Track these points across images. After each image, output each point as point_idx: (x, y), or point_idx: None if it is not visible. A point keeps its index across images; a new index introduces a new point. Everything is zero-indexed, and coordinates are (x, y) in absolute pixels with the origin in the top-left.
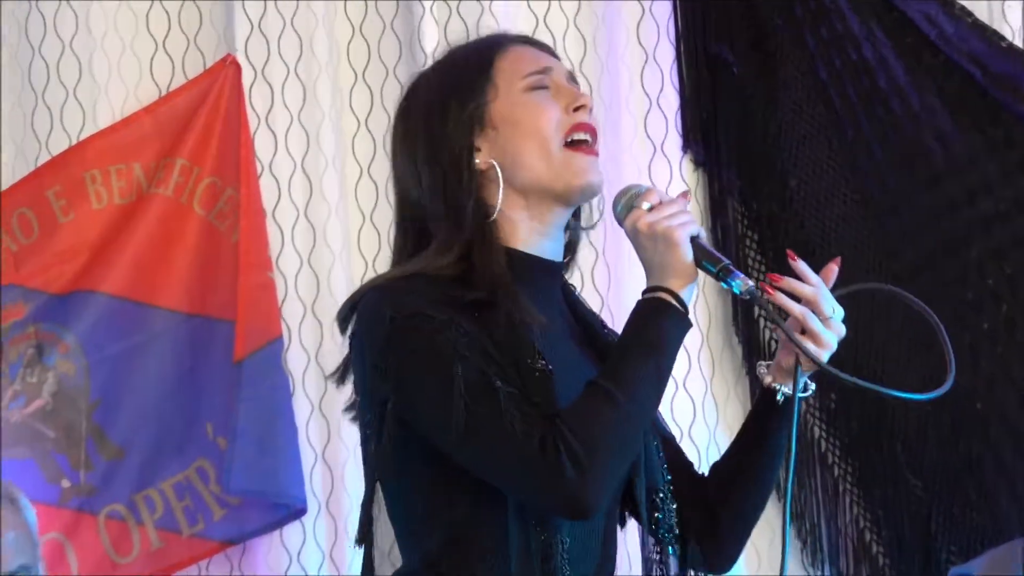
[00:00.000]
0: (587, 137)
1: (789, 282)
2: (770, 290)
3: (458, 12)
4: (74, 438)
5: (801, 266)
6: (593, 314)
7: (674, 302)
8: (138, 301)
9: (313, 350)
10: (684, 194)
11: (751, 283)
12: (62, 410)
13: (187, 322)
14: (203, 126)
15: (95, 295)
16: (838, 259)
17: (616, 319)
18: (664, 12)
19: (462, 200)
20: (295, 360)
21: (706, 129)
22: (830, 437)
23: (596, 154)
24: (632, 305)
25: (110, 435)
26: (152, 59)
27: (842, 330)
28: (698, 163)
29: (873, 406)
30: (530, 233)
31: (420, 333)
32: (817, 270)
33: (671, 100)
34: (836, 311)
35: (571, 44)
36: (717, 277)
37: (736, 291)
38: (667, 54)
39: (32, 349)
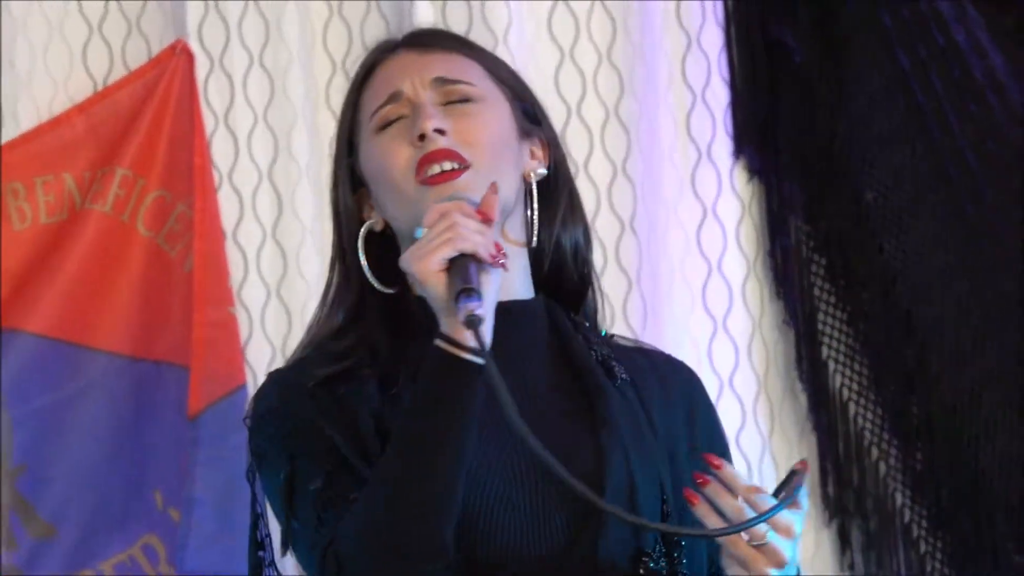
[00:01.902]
0: (440, 168)
1: (713, 488)
2: (695, 500)
3: None
4: None
5: (728, 473)
6: (589, 355)
7: (446, 347)
8: (71, 342)
9: None
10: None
11: (479, 311)
12: None
13: (130, 368)
14: (148, 128)
15: (18, 335)
16: (805, 462)
17: None
18: None
19: (351, 265)
20: None
21: (762, 130)
22: (915, 506)
23: (455, 177)
24: (671, 341)
25: (37, 508)
26: (85, 46)
27: (783, 557)
28: (753, 172)
29: (967, 468)
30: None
31: (263, 434)
32: (891, 306)
33: (719, 95)
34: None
35: (597, 28)
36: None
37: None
38: (714, 39)
39: None
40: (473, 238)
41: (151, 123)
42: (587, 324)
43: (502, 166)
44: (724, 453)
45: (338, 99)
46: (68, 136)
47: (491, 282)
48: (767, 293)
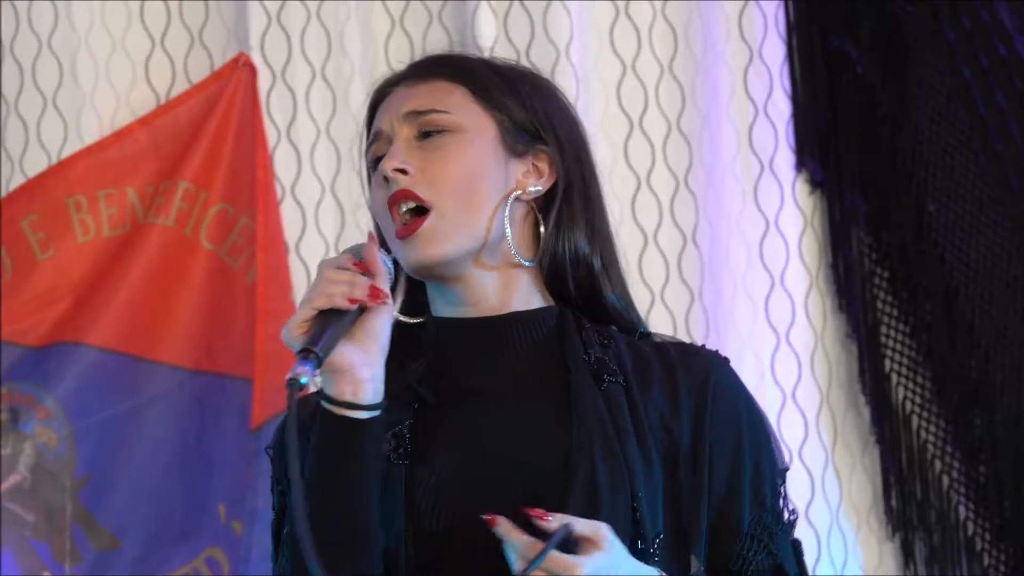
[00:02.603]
0: (402, 213)
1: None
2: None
3: (520, 1)
4: (57, 523)
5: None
6: (581, 359)
7: (323, 402)
8: (133, 355)
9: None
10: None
11: (303, 374)
12: (42, 488)
13: (193, 380)
14: (211, 141)
15: (80, 348)
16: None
17: None
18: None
19: None
20: None
21: (824, 142)
22: (979, 519)
23: (416, 227)
24: (733, 354)
25: (101, 520)
26: (148, 60)
27: None
28: (815, 184)
29: None
30: (445, 305)
31: (271, 469)
32: (954, 318)
33: (781, 107)
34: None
35: (659, 40)
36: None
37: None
38: (776, 51)
39: (4, 414)
40: (330, 290)
41: (214, 136)
42: (614, 328)
43: (472, 196)
44: (753, 446)
45: None
46: (131, 149)
47: (369, 330)
48: (830, 306)
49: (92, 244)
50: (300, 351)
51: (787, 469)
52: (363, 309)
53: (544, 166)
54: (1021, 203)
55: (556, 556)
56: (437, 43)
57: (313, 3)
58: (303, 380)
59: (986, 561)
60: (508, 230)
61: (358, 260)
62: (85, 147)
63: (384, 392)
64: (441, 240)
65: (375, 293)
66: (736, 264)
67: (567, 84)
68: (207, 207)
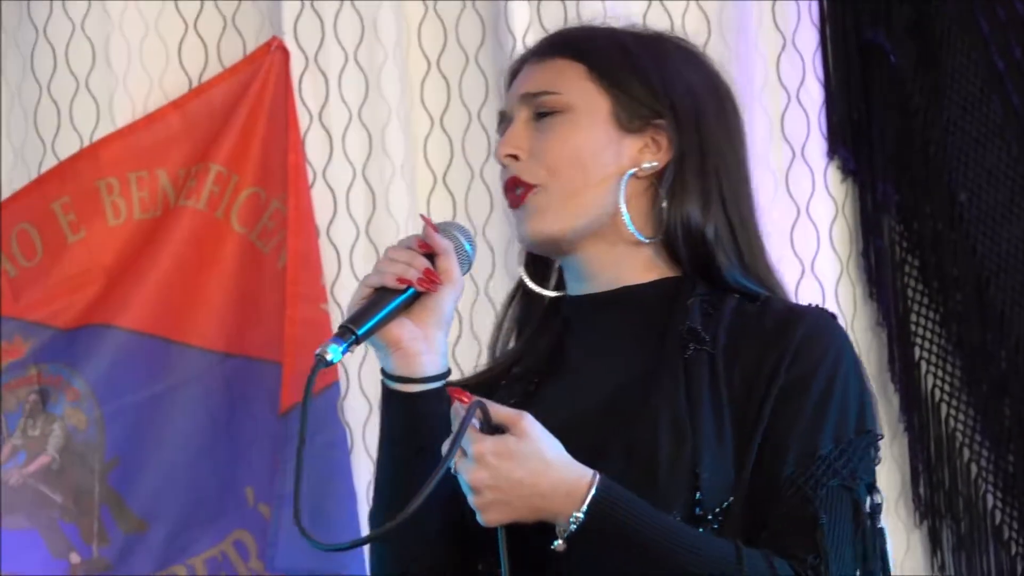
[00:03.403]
0: (513, 193)
1: None
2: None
3: None
4: (85, 505)
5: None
6: (677, 329)
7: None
8: (163, 338)
9: (375, 397)
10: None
11: (329, 352)
12: (71, 470)
13: (223, 364)
14: (243, 125)
15: (111, 330)
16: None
17: None
18: None
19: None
20: (354, 410)
21: (857, 130)
22: (1007, 507)
23: (523, 200)
24: None
25: (129, 502)
26: (181, 43)
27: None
28: (847, 172)
29: None
30: (570, 280)
31: None
32: (985, 307)
33: (814, 95)
34: None
35: (692, 26)
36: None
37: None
38: (809, 39)
39: (34, 395)
40: (385, 269)
41: (246, 120)
42: (735, 295)
43: (580, 176)
44: (807, 398)
45: (432, 97)
46: (163, 132)
47: (428, 306)
48: (860, 294)
49: (123, 227)
50: (339, 328)
51: (876, 436)
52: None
53: (663, 140)
54: None
55: (470, 430)
56: (470, 29)
57: None
58: (328, 357)
59: (1014, 550)
60: (623, 208)
61: (423, 240)
62: (117, 130)
63: (511, 369)
64: (546, 216)
65: (428, 277)
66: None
67: None
68: (238, 191)
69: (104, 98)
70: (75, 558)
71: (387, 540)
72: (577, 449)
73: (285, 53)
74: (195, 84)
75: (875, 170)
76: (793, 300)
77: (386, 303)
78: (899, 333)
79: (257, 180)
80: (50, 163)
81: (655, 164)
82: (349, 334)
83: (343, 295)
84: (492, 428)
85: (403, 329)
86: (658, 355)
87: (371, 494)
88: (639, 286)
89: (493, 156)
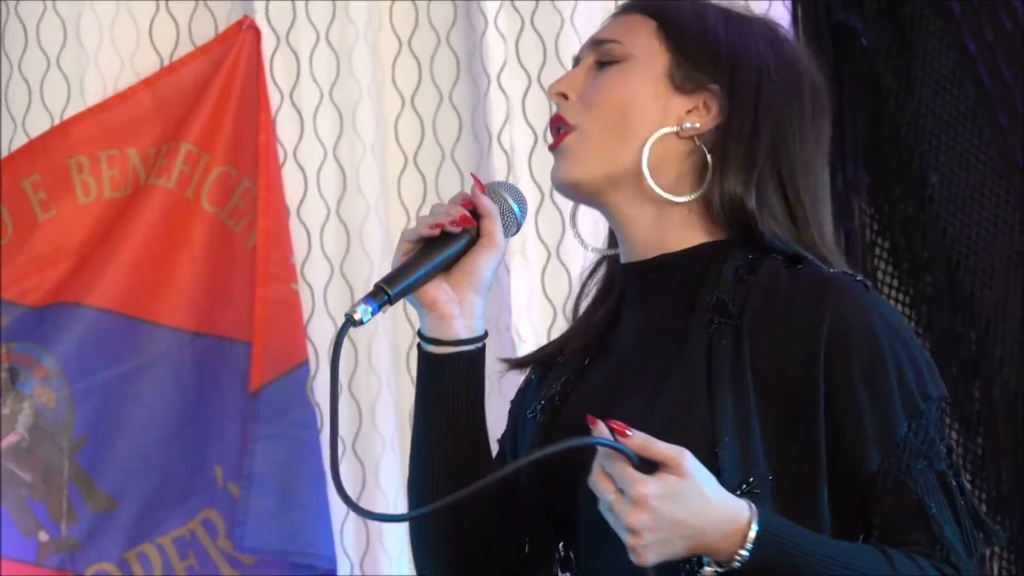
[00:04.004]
0: (555, 133)
1: None
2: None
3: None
4: (54, 483)
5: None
6: (706, 298)
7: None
8: (133, 316)
9: (346, 378)
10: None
11: (357, 312)
12: (40, 448)
13: (193, 343)
14: (214, 104)
15: (81, 308)
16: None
17: None
18: None
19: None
20: (324, 390)
21: None
22: (976, 490)
23: (559, 142)
24: None
25: (98, 481)
26: (152, 22)
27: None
28: None
29: None
30: (619, 244)
31: None
32: (955, 290)
33: None
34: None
35: None
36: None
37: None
38: (781, 21)
39: (4, 373)
40: (424, 221)
41: (217, 99)
42: (776, 256)
43: (619, 123)
44: (876, 377)
45: (404, 77)
46: (134, 111)
47: (466, 268)
48: None
49: (93, 205)
50: (373, 287)
51: (941, 397)
52: (467, 248)
53: (713, 106)
54: None
55: (626, 468)
56: (441, 11)
57: None
58: (357, 317)
59: None
60: (644, 163)
61: (469, 199)
62: (88, 108)
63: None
64: (580, 159)
65: (463, 220)
66: None
67: None
68: (209, 170)
69: (75, 76)
70: (44, 536)
71: (429, 536)
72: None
73: (256, 32)
74: (166, 63)
75: (846, 152)
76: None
77: (422, 261)
78: None
79: (228, 159)
80: (20, 141)
81: (697, 126)
82: (382, 294)
83: (313, 275)
84: (643, 464)
85: (439, 291)
86: (685, 328)
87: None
88: (676, 254)
89: (548, 94)
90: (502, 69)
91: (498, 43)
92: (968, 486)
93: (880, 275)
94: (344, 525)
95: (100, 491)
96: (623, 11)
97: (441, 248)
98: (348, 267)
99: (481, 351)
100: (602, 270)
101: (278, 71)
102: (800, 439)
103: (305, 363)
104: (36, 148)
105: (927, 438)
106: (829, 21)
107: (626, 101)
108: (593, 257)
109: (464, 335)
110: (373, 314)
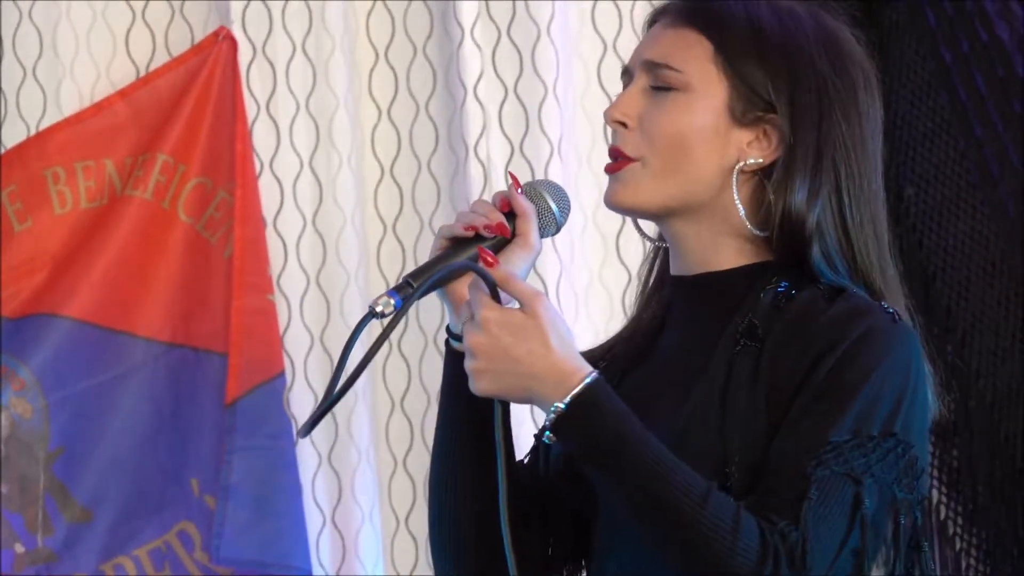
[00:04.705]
0: (614, 160)
1: None
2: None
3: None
4: (30, 494)
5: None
6: (738, 322)
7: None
8: (109, 328)
9: (322, 389)
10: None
11: (379, 304)
12: (16, 459)
13: (168, 354)
14: (190, 115)
15: (56, 319)
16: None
17: None
18: None
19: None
20: (300, 401)
21: None
22: (951, 503)
23: (610, 171)
24: None
25: (74, 492)
26: (128, 32)
27: None
28: None
29: (1004, 465)
30: (671, 253)
31: None
32: (931, 302)
33: None
34: None
35: (640, 20)
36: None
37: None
38: None
39: None
40: (461, 219)
41: (193, 110)
42: (820, 284)
43: (681, 159)
44: (842, 389)
45: (380, 88)
46: (110, 121)
47: (508, 262)
48: None
49: (69, 216)
50: (400, 281)
51: (906, 445)
52: (502, 245)
53: (774, 135)
54: (1000, 189)
55: (481, 294)
56: (418, 21)
57: None
58: (379, 309)
59: (958, 545)
60: (737, 201)
61: (506, 199)
62: (64, 119)
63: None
64: (635, 188)
65: (498, 228)
66: None
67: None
68: (185, 181)
69: (51, 87)
70: (19, 548)
71: (451, 542)
72: None
73: (233, 43)
74: (142, 73)
75: None
76: (895, 300)
77: (452, 258)
78: None
79: (204, 170)
80: None
81: (760, 161)
82: (407, 288)
83: (289, 286)
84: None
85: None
86: (713, 348)
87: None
88: (723, 272)
89: (604, 118)
90: (479, 80)
91: (474, 54)
92: (927, 553)
93: None
94: (320, 536)
95: (76, 502)
96: (673, 22)
97: (472, 245)
98: (324, 278)
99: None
100: (658, 264)
101: (254, 81)
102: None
103: (281, 374)
104: (12, 158)
105: (865, 459)
106: None
107: (688, 136)
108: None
109: None
110: (396, 307)
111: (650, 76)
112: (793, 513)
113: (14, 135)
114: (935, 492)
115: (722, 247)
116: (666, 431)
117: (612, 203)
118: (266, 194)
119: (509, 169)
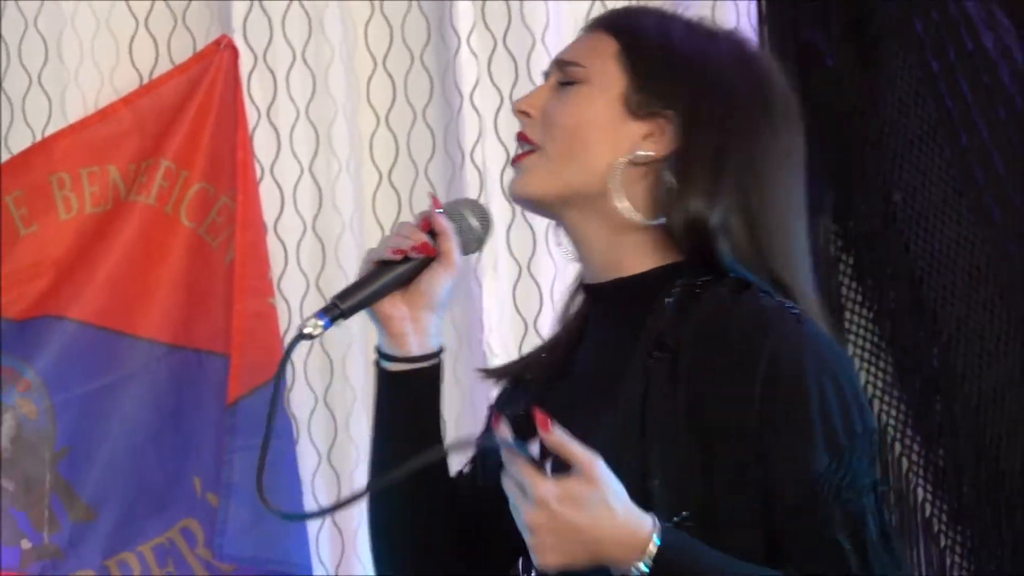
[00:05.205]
0: (518, 148)
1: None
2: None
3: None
4: (36, 493)
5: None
6: (648, 330)
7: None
8: (113, 329)
9: (321, 390)
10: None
11: (307, 327)
12: (22, 459)
13: (171, 356)
14: (192, 121)
15: (62, 322)
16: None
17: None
18: None
19: None
20: (300, 402)
21: None
22: (937, 501)
23: (520, 159)
24: None
25: (79, 491)
26: (132, 40)
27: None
28: None
29: (989, 466)
30: (581, 264)
31: None
32: (918, 305)
33: None
34: None
35: None
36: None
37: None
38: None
39: None
40: (385, 244)
41: (195, 117)
42: (724, 285)
43: (576, 146)
44: (788, 425)
45: (378, 95)
46: (114, 128)
47: (421, 287)
48: None
49: (74, 221)
50: (328, 303)
51: (868, 432)
52: (424, 265)
53: (669, 130)
54: (985, 196)
55: (526, 467)
56: (416, 30)
57: None
58: (307, 331)
59: (943, 543)
60: (616, 190)
61: (427, 219)
62: (69, 125)
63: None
64: (535, 177)
65: (423, 248)
66: None
67: None
68: (187, 186)
69: (56, 94)
70: (26, 544)
71: (389, 551)
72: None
73: (234, 51)
74: (146, 81)
75: (811, 171)
76: (803, 294)
77: (378, 279)
78: (833, 329)
79: (206, 176)
80: (3, 157)
81: (651, 154)
82: (335, 309)
83: (289, 289)
84: (554, 464)
85: (394, 308)
86: (629, 358)
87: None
88: (629, 278)
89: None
90: (475, 87)
91: (471, 62)
92: (887, 518)
93: (844, 291)
94: (320, 534)
95: (81, 500)
96: (591, 28)
97: (397, 267)
98: (324, 282)
99: (435, 368)
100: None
101: (255, 89)
102: (731, 475)
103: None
104: (18, 164)
105: (848, 474)
106: (796, 40)
107: (581, 125)
108: (574, 267)
109: (417, 352)
110: (325, 328)
111: (560, 73)
112: (842, 567)
113: (20, 141)
114: (920, 491)
115: (626, 249)
116: (588, 445)
117: (514, 194)
118: (267, 199)
119: (429, 191)
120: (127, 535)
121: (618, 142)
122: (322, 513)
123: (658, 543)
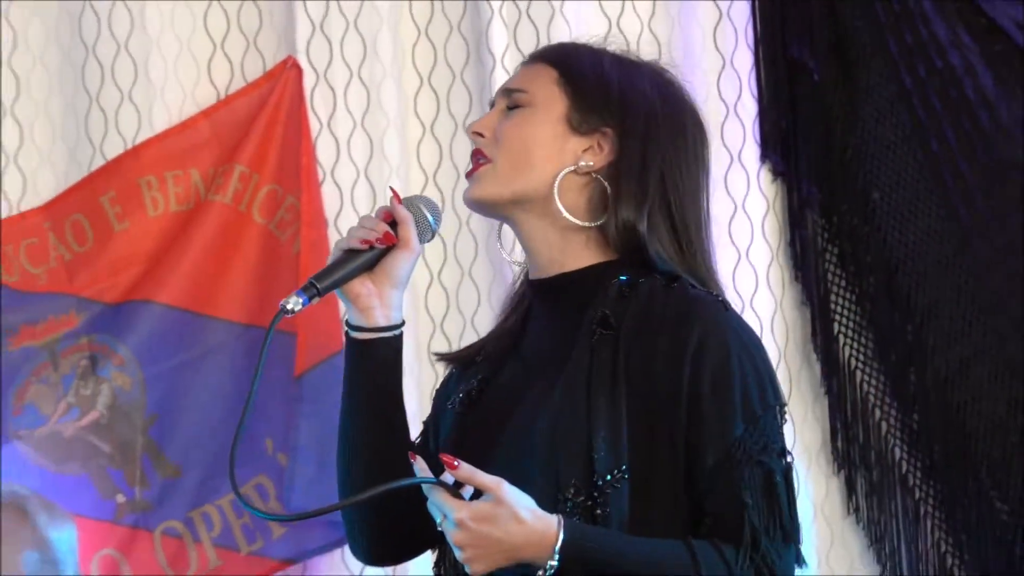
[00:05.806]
0: (472, 163)
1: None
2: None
3: (527, 14)
4: (129, 454)
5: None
6: (592, 314)
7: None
8: (195, 311)
9: None
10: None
11: (289, 303)
12: (117, 424)
13: (245, 334)
14: (263, 131)
15: (150, 305)
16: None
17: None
18: (742, 15)
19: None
20: None
21: (785, 138)
22: (911, 459)
23: (468, 175)
24: None
25: (166, 452)
26: (210, 61)
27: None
28: (777, 173)
29: (957, 429)
30: (528, 262)
31: None
32: (894, 290)
33: (749, 108)
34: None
35: (645, 47)
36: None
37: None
38: (745, 59)
39: (85, 360)
40: (353, 234)
41: (265, 127)
42: (658, 276)
43: (524, 159)
44: (729, 385)
45: (425, 109)
46: (195, 138)
47: (385, 268)
48: (787, 277)
49: (161, 218)
50: (305, 284)
51: (779, 405)
52: (387, 250)
53: (607, 145)
54: (952, 196)
55: (445, 497)
56: (457, 50)
57: (351, 14)
58: (289, 306)
59: (917, 495)
60: (556, 196)
61: (388, 211)
62: (156, 135)
63: (484, 348)
64: (488, 184)
65: (385, 237)
66: None
67: None
68: (259, 188)
69: (145, 108)
70: (121, 498)
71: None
72: (499, 433)
73: (299, 70)
74: (222, 96)
75: (800, 172)
76: (716, 288)
77: (348, 263)
78: (820, 311)
79: (275, 178)
80: (99, 163)
81: (591, 164)
82: (312, 289)
83: None
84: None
85: (362, 287)
86: (575, 338)
87: None
88: (572, 273)
89: (464, 131)
90: None
91: (505, 79)
92: (794, 484)
93: (830, 276)
94: None
95: (168, 460)
96: (531, 60)
97: (364, 253)
98: None
99: (398, 337)
100: (519, 283)
101: (317, 103)
102: (663, 438)
103: (342, 351)
104: (112, 169)
105: (762, 440)
106: (786, 59)
107: (530, 140)
108: (517, 269)
109: (383, 323)
110: (304, 305)
111: (507, 100)
112: (743, 521)
113: (113, 148)
114: (897, 451)
115: (570, 248)
116: (538, 421)
117: (468, 199)
118: (328, 199)
119: (391, 186)
120: (208, 490)
121: (563, 154)
122: (317, 513)
123: (564, 538)
